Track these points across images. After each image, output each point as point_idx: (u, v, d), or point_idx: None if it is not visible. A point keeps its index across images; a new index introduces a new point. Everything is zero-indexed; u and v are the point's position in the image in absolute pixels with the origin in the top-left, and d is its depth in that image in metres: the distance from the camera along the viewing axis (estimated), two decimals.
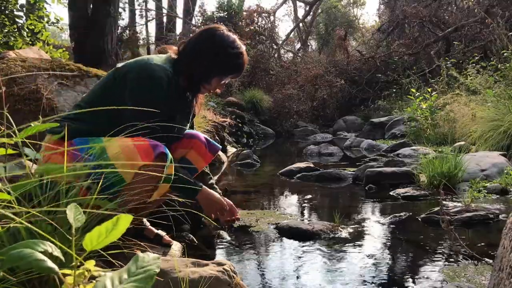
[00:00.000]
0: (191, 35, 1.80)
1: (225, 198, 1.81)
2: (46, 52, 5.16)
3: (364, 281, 1.60)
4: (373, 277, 1.64)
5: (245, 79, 11.90)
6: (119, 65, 1.65)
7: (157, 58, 1.64)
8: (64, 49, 5.91)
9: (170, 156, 1.46)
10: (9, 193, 0.91)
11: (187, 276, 1.21)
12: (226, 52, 1.69)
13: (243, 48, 1.75)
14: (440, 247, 2.02)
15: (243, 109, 9.95)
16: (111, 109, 1.07)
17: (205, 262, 1.34)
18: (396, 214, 2.64)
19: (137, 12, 15.75)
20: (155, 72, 1.56)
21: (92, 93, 1.66)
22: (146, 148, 1.39)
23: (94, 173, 1.18)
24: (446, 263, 1.80)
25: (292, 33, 20.33)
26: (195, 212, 1.56)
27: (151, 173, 1.18)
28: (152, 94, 1.54)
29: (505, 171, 3.54)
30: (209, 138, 1.90)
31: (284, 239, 2.17)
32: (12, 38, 5.37)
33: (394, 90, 10.91)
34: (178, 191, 1.59)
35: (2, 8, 5.26)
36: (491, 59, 7.17)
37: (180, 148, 1.81)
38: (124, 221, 0.73)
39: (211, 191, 1.73)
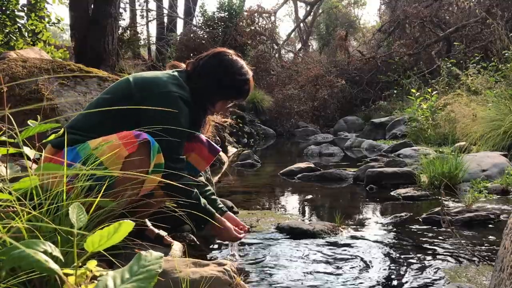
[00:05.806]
0: (202, 55, 1.78)
1: (233, 216, 1.87)
2: (47, 53, 5.17)
3: (365, 281, 1.60)
4: (374, 277, 1.64)
5: None
6: (131, 79, 1.60)
7: (171, 79, 1.62)
8: (65, 49, 5.92)
9: (156, 144, 1.42)
10: (10, 193, 0.91)
11: (188, 276, 1.21)
12: (233, 79, 1.72)
13: (250, 73, 1.79)
14: (441, 247, 2.01)
15: (244, 109, 9.95)
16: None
17: (206, 262, 1.34)
18: (397, 215, 2.64)
19: (138, 12, 15.74)
20: (178, 101, 1.55)
21: (97, 110, 1.53)
22: (129, 138, 1.37)
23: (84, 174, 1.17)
24: (447, 263, 1.80)
25: (293, 33, 20.37)
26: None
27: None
28: (176, 120, 1.54)
29: (506, 171, 3.53)
30: (209, 140, 1.90)
31: (285, 239, 2.17)
32: (13, 38, 5.38)
33: (395, 90, 10.91)
34: (192, 218, 1.60)
35: (3, 8, 5.26)
36: (492, 59, 7.17)
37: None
38: (126, 226, 0.74)
39: (223, 219, 1.74)
